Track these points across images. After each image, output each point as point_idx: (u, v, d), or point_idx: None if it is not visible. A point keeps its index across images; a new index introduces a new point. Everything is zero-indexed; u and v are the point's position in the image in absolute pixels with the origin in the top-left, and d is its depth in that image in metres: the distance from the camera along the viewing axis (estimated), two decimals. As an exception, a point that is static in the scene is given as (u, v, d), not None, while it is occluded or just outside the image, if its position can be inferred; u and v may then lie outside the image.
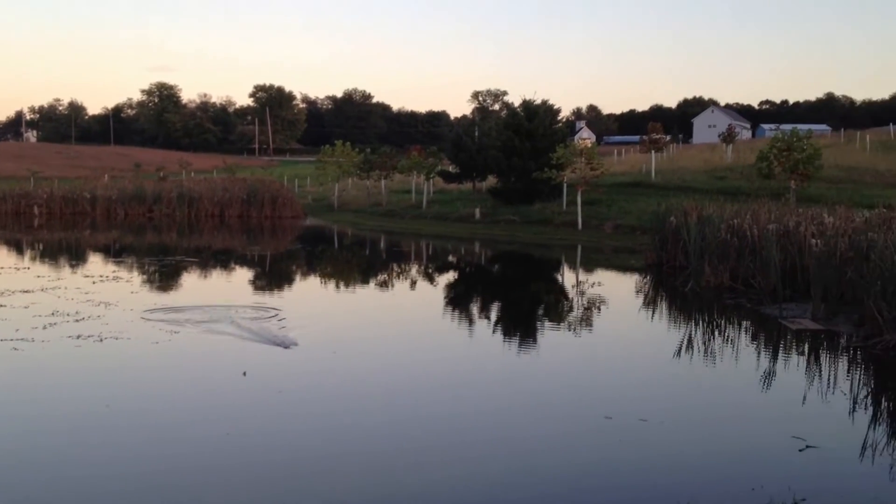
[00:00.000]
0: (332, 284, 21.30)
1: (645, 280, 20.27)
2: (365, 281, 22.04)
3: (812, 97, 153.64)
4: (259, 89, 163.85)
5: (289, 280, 22.06)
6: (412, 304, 17.61)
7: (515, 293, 19.55)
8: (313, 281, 22.15)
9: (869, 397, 9.62)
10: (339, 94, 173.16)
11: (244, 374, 10.00)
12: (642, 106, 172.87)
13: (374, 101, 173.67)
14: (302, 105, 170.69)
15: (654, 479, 6.74)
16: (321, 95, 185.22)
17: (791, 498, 6.11)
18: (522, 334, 13.94)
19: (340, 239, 36.28)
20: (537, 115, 39.32)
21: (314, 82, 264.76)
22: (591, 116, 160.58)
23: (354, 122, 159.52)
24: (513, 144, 37.98)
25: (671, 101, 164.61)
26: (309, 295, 18.65)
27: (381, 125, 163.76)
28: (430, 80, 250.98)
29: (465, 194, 45.27)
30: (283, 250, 31.17)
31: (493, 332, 14.18)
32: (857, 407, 9.03)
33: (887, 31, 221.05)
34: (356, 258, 28.72)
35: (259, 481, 6.64)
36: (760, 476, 6.67)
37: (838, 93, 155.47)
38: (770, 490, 6.25)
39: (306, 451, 7.47)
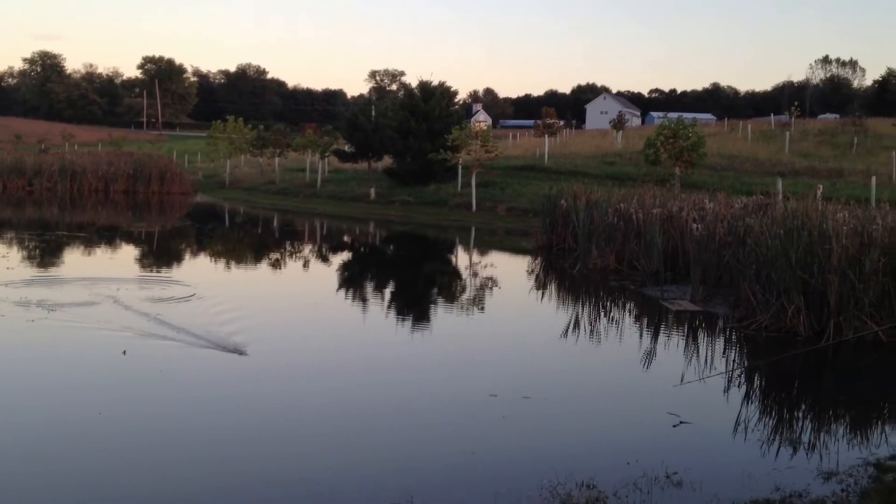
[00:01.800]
0: (221, 262, 20.89)
1: (535, 262, 20.64)
2: (255, 259, 21.70)
3: (699, 87, 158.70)
4: (148, 61, 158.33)
5: (176, 258, 21.53)
6: (302, 282, 17.47)
7: (409, 274, 19.63)
8: (202, 260, 21.67)
9: (742, 376, 10.08)
10: (233, 69, 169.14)
11: (124, 352, 9.73)
12: (538, 91, 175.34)
13: (269, 77, 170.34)
14: (193, 79, 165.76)
15: (535, 454, 6.92)
16: (214, 69, 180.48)
17: (664, 471, 6.37)
18: (415, 315, 14.02)
19: (232, 217, 35.60)
20: (434, 97, 39.39)
21: (206, 56, 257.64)
22: (488, 100, 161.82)
23: (248, 97, 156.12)
24: (409, 125, 37.97)
25: (566, 87, 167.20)
26: (195, 272, 18.24)
27: (275, 102, 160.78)
28: (327, 58, 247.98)
29: (361, 174, 45.02)
30: (170, 227, 30.38)
31: (386, 312, 14.22)
32: (731, 385, 9.45)
33: (770, 26, 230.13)
34: (247, 236, 28.26)
35: (129, 462, 6.51)
36: (636, 451, 6.93)
37: (723, 83, 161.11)
38: (644, 464, 6.50)
39: (182, 433, 7.34)
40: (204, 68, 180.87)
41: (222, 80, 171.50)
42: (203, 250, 23.59)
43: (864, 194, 21.84)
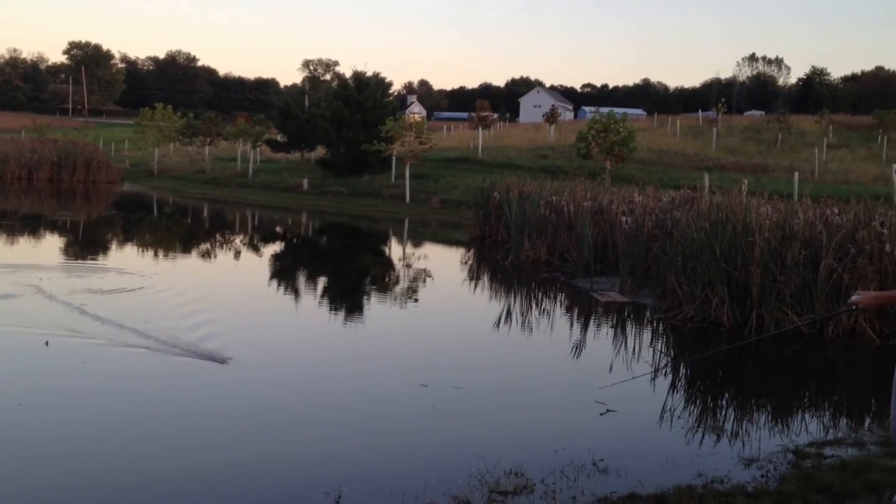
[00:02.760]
0: (149, 253, 20.49)
1: (468, 253, 20.75)
2: (184, 250, 21.36)
3: (630, 83, 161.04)
4: (74, 46, 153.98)
5: (103, 247, 21.04)
6: (233, 272, 17.27)
7: (342, 265, 19.53)
8: (129, 250, 21.23)
9: (668, 365, 10.31)
10: (162, 56, 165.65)
11: (46, 343, 9.49)
12: (472, 83, 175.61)
13: (200, 64, 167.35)
14: (121, 65, 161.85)
15: (465, 443, 6.97)
16: (142, 56, 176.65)
17: (590, 458, 6.48)
18: (348, 306, 13.98)
19: (160, 206, 34.94)
20: (368, 87, 39.24)
21: (135, 42, 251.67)
22: (423, 92, 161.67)
23: (178, 85, 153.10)
24: (342, 115, 37.76)
25: (500, 80, 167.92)
26: (119, 261, 17.86)
27: (206, 90, 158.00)
28: (260, 46, 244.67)
29: (293, 164, 44.62)
30: (96, 216, 29.69)
31: (319, 303, 14.15)
32: (658, 374, 9.65)
33: (699, 23, 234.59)
34: (175, 226, 27.79)
35: (49, 454, 6.37)
36: (564, 439, 7.04)
37: (654, 79, 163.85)
38: (571, 452, 6.60)
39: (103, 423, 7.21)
40: (132, 54, 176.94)
41: (151, 67, 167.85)
42: (132, 240, 23.10)
43: (787, 189, 22.46)
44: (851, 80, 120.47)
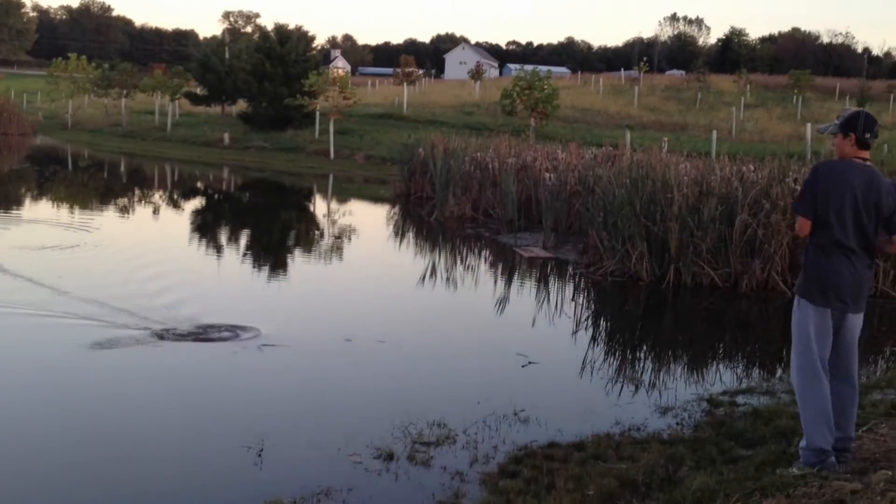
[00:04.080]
0: (63, 208, 19.87)
1: (393, 210, 20.69)
2: (102, 205, 20.76)
3: (555, 41, 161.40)
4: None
5: (17, 203, 20.32)
6: (157, 229, 16.90)
7: (265, 222, 19.28)
8: (43, 204, 20.55)
9: (589, 319, 10.52)
10: (76, 5, 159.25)
11: None
12: (397, 39, 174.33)
13: (115, 14, 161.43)
14: (32, 13, 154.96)
15: (388, 396, 7.00)
16: (55, 4, 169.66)
17: (512, 409, 6.59)
18: (271, 262, 13.83)
19: (75, 160, 33.86)
20: (290, 41, 38.50)
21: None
22: (347, 46, 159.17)
23: (92, 35, 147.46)
24: (264, 68, 37.00)
25: (425, 36, 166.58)
26: (32, 217, 17.29)
27: (122, 41, 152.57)
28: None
29: (214, 118, 43.60)
30: (8, 170, 28.61)
31: (242, 260, 13.95)
32: (579, 328, 9.84)
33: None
34: (92, 181, 26.97)
35: None
36: (486, 391, 7.13)
37: (578, 38, 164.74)
38: (494, 403, 6.69)
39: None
40: (44, 3, 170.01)
41: (64, 17, 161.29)
42: (49, 195, 22.34)
43: (705, 147, 22.89)
44: (769, 40, 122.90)
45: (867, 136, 4.89)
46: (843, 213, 4.80)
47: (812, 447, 4.85)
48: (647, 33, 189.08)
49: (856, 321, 5.01)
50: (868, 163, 4.95)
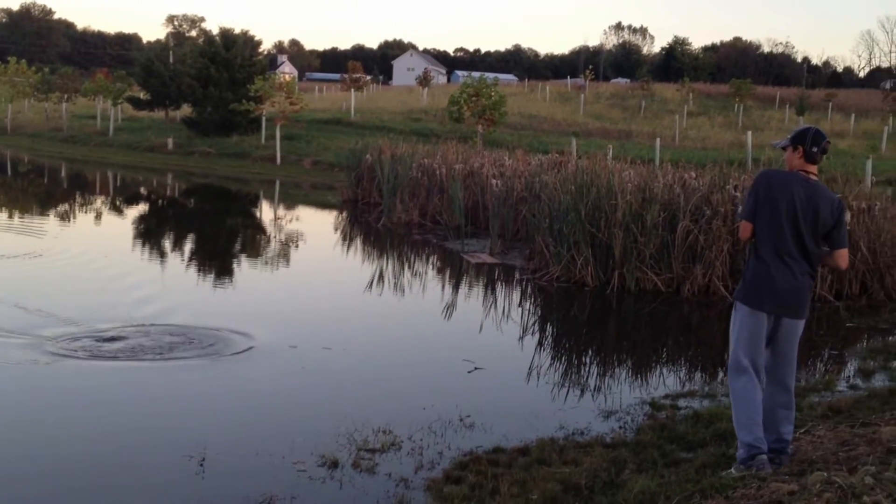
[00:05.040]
0: (3, 214, 19.41)
1: (341, 216, 20.59)
2: (41, 211, 20.32)
3: (502, 48, 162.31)
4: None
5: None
6: (91, 234, 16.57)
7: (210, 228, 19.06)
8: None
9: (535, 324, 10.58)
10: (16, 7, 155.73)
11: None
12: (345, 45, 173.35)
13: (57, 17, 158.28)
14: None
15: (333, 403, 6.97)
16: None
17: (458, 415, 6.60)
18: (217, 269, 13.67)
19: (14, 165, 33.08)
20: (236, 45, 38.20)
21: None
22: (294, 51, 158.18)
23: (33, 38, 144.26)
24: (209, 73, 36.56)
25: (373, 42, 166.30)
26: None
27: (63, 44, 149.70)
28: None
29: (158, 123, 42.94)
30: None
31: (187, 267, 13.77)
32: (525, 333, 9.89)
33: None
34: (32, 186, 26.36)
35: None
36: (432, 397, 7.12)
37: (525, 45, 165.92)
38: (439, 408, 6.70)
39: None
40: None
41: (4, 20, 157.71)
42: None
43: (649, 154, 23.23)
44: (711, 50, 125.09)
45: (814, 150, 5.08)
46: (781, 221, 4.98)
47: (743, 442, 5.02)
48: (592, 41, 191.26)
49: (792, 327, 5.14)
50: (813, 176, 5.13)
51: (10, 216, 19.14)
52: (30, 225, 17.41)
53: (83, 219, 19.46)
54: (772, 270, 5.01)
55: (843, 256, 5.20)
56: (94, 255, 13.90)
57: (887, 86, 71.89)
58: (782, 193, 5.00)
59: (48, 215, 19.70)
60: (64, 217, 19.44)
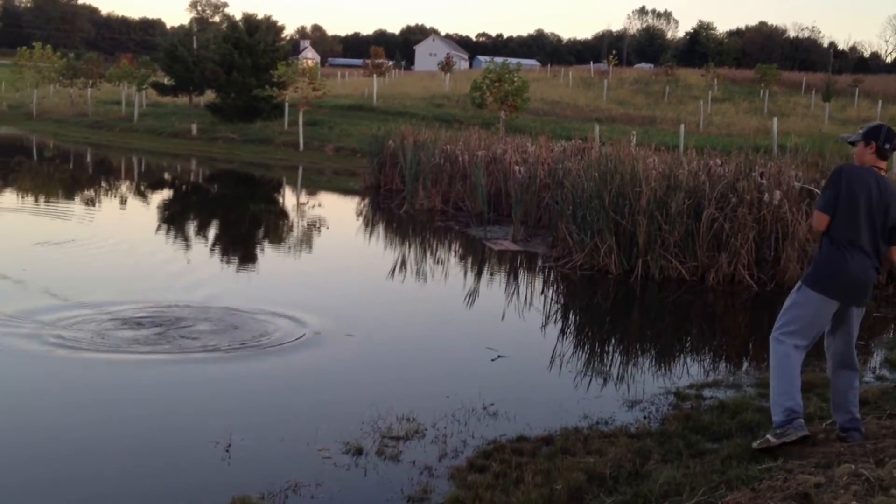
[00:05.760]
0: (29, 199, 19.59)
1: (363, 202, 20.61)
2: (68, 196, 20.50)
3: (524, 33, 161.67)
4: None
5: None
6: (118, 220, 16.70)
7: (234, 213, 19.15)
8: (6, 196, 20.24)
9: (559, 312, 10.55)
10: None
11: None
12: (367, 30, 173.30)
13: (81, 2, 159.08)
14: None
15: (357, 391, 6.98)
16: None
17: (481, 403, 6.60)
18: (241, 255, 13.73)
19: (40, 150, 33.39)
20: (259, 31, 38.20)
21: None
22: (316, 37, 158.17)
23: (57, 23, 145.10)
24: (232, 59, 36.65)
25: (395, 28, 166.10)
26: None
27: (88, 29, 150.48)
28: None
29: (181, 108, 43.13)
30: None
31: (211, 252, 13.84)
32: (548, 321, 9.87)
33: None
34: (58, 172, 26.59)
35: None
36: (456, 385, 7.14)
37: (547, 30, 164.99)
38: (462, 396, 6.70)
39: None
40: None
41: (29, 5, 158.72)
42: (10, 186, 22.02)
43: (673, 141, 23.07)
44: (736, 34, 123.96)
45: (887, 146, 5.26)
46: (858, 214, 5.14)
47: (783, 407, 5.14)
48: (616, 26, 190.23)
49: (858, 314, 5.36)
50: (883, 172, 5.30)
51: (40, 201, 19.31)
52: (64, 210, 17.56)
53: (117, 205, 19.60)
54: (848, 261, 5.15)
55: None
56: (136, 241, 13.99)
57: (916, 71, 70.82)
58: (861, 188, 5.14)
59: (81, 201, 19.85)
60: (98, 203, 19.57)
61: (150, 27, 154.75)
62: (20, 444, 5.79)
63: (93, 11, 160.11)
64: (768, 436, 5.19)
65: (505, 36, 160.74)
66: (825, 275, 5.22)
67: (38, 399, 6.65)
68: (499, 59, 33.72)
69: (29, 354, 7.55)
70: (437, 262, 13.61)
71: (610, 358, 8.80)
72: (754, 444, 5.28)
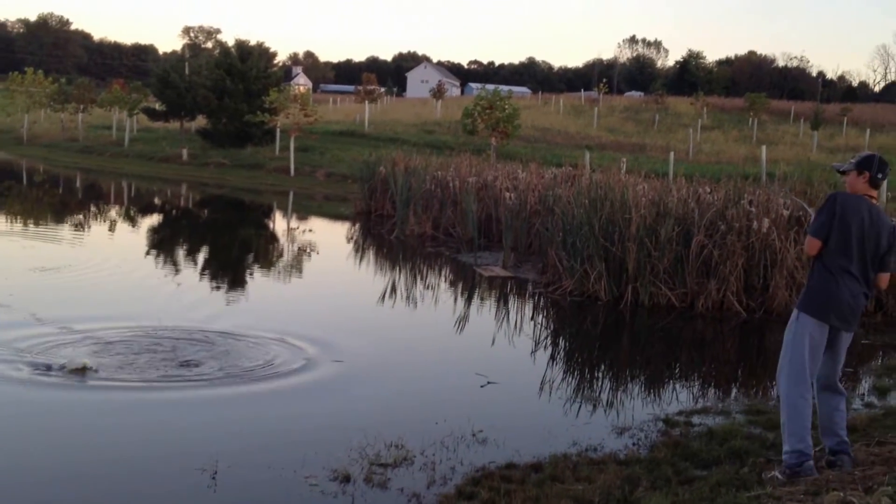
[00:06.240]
0: (16, 224, 19.53)
1: (354, 228, 20.62)
2: (57, 221, 20.45)
3: (516, 60, 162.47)
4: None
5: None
6: (105, 245, 16.65)
7: (224, 239, 19.13)
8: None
9: (548, 339, 10.55)
10: (33, 18, 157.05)
11: None
12: (359, 57, 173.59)
13: (73, 27, 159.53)
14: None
15: (345, 417, 6.95)
16: (11, 18, 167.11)
17: (470, 429, 6.57)
18: (229, 280, 13.70)
19: (30, 175, 33.35)
20: (251, 57, 38.38)
21: (3, 2, 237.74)
22: (308, 63, 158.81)
23: (50, 49, 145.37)
24: (224, 85, 36.78)
25: (387, 55, 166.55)
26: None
27: (80, 55, 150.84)
28: (137, 10, 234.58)
29: (172, 134, 43.18)
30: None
31: (200, 278, 13.81)
32: (538, 347, 9.86)
33: (584, 3, 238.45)
34: (47, 196, 26.53)
35: None
36: (445, 411, 7.10)
37: (539, 58, 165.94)
38: (452, 423, 6.67)
39: None
40: (1, 16, 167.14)
41: (21, 30, 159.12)
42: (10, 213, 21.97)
43: (663, 168, 23.18)
44: (726, 63, 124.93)
45: (879, 175, 5.40)
46: (851, 240, 5.25)
47: (794, 449, 5.21)
48: (606, 55, 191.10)
49: (847, 338, 5.47)
50: (874, 201, 5.43)
51: (28, 224, 19.25)
52: (52, 234, 17.50)
53: (106, 230, 19.55)
54: (840, 286, 5.27)
55: (885, 280, 5.51)
56: (125, 266, 13.92)
57: (903, 100, 71.53)
58: (854, 216, 5.25)
59: (71, 225, 19.80)
60: (87, 228, 19.52)
61: (143, 53, 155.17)
62: (3, 471, 5.73)
63: (85, 37, 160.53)
64: (777, 473, 5.26)
65: (496, 63, 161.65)
66: (819, 301, 5.32)
67: (25, 424, 6.59)
68: (490, 87, 33.95)
69: (10, 381, 7.48)
70: (428, 287, 13.60)
71: (599, 384, 8.79)
72: (764, 476, 5.30)
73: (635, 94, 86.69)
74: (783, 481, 5.11)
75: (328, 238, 19.75)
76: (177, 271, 14.08)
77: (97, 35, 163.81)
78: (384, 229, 18.92)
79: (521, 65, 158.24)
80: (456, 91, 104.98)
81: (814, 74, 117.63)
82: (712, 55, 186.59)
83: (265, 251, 17.51)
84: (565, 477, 5.62)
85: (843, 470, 5.18)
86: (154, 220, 22.54)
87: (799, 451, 5.19)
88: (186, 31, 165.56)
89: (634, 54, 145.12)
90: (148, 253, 16.14)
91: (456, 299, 12.69)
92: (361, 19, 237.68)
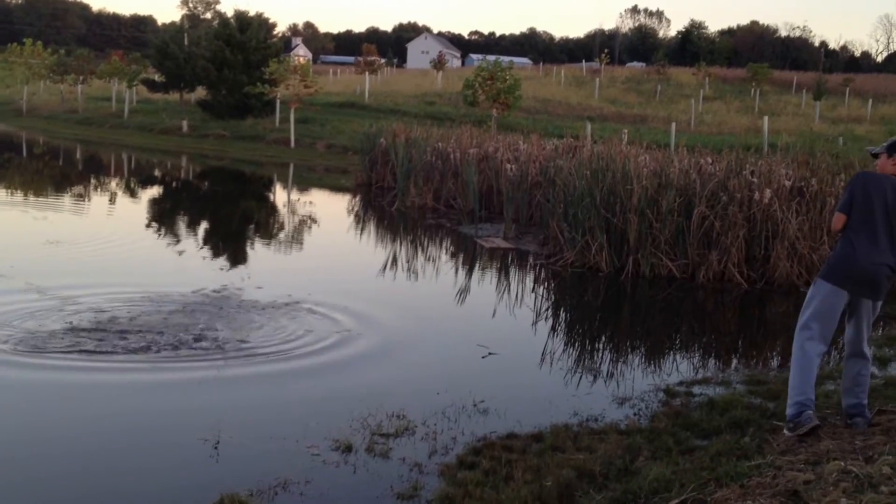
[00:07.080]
0: (17, 195, 19.50)
1: (354, 200, 20.58)
2: (58, 192, 20.41)
3: (517, 31, 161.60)
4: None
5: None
6: (104, 218, 16.64)
7: (224, 210, 19.09)
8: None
9: (549, 310, 10.56)
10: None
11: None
12: (359, 27, 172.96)
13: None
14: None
15: (346, 388, 6.96)
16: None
17: (471, 400, 6.60)
18: (231, 253, 13.70)
19: (30, 147, 33.25)
20: (251, 27, 38.12)
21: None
22: (308, 34, 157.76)
23: (48, 20, 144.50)
24: (224, 55, 36.58)
25: (387, 25, 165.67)
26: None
27: (79, 26, 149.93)
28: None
29: (172, 105, 43.07)
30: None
31: (200, 249, 13.79)
32: (539, 319, 9.87)
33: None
34: (48, 168, 26.47)
35: None
36: (446, 382, 7.12)
37: (540, 29, 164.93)
38: (453, 394, 6.70)
39: None
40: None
41: (19, 1, 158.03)
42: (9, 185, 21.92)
43: (664, 139, 23.09)
44: (728, 33, 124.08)
45: None
46: (875, 216, 5.55)
47: (793, 401, 5.51)
48: (608, 25, 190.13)
49: (871, 306, 5.69)
50: None
51: (29, 197, 19.23)
52: (55, 206, 17.49)
53: (107, 202, 19.52)
54: (857, 251, 5.53)
55: None
56: (126, 237, 13.92)
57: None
58: (877, 191, 5.56)
59: (71, 197, 19.78)
60: (88, 200, 19.50)
61: (142, 24, 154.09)
62: (4, 444, 5.76)
63: (84, 8, 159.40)
64: (784, 430, 5.54)
65: (497, 34, 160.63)
66: (837, 268, 5.62)
67: (28, 396, 6.61)
68: (491, 58, 33.76)
69: (21, 355, 7.51)
70: (429, 259, 13.60)
71: (600, 355, 8.81)
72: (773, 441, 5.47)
73: (637, 65, 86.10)
74: (791, 437, 5.38)
75: (329, 210, 19.71)
76: (177, 242, 14.07)
77: (96, 6, 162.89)
78: (385, 201, 18.89)
79: (523, 35, 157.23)
80: (457, 62, 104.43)
81: (816, 44, 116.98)
82: (714, 25, 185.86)
83: (265, 223, 17.49)
84: (566, 447, 5.65)
85: (857, 430, 5.50)
86: (154, 192, 22.50)
87: (798, 403, 5.48)
88: (185, 1, 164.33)
89: (636, 24, 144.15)
90: (149, 225, 16.11)
91: (457, 271, 12.68)
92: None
